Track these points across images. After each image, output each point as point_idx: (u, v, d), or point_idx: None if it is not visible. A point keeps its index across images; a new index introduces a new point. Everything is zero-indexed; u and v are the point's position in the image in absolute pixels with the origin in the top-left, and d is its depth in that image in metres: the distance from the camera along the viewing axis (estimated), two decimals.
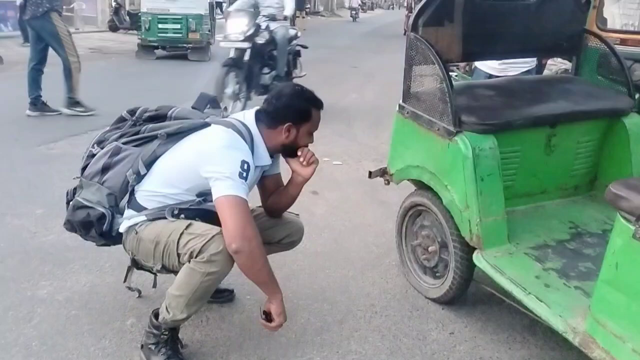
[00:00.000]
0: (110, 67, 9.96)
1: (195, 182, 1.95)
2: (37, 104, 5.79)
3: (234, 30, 5.58)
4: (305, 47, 6.84)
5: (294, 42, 6.54)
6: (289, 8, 6.12)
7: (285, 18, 6.30)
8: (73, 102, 5.82)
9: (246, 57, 5.63)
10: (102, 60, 10.62)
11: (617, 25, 4.60)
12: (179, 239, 1.90)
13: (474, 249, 2.21)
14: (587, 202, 2.64)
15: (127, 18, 15.80)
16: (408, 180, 2.65)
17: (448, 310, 2.48)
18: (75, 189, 2.17)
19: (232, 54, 5.65)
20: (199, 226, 1.93)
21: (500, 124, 2.26)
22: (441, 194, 2.33)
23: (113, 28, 15.86)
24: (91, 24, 17.06)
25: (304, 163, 2.12)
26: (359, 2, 36.46)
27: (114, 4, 15.96)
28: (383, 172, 2.81)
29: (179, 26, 10.51)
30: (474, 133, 2.21)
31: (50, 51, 5.77)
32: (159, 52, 11.15)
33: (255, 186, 2.20)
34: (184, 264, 1.90)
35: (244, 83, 5.67)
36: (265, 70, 6.05)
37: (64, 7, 15.69)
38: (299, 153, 2.12)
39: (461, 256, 2.30)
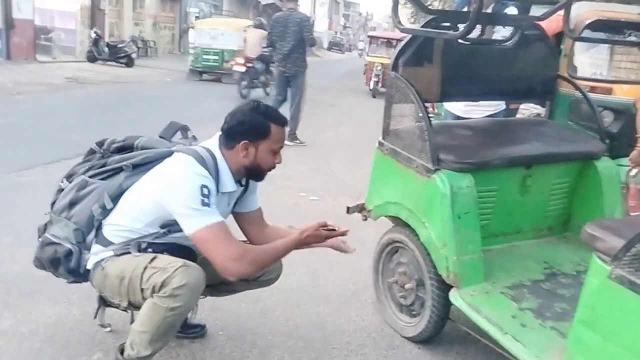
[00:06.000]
0: (88, 95, 9.89)
1: (157, 214, 1.91)
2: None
3: None
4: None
5: None
6: None
7: None
8: (294, 137, 6.86)
9: None
10: (80, 89, 10.57)
11: (587, 74, 4.78)
12: (142, 273, 1.85)
13: (451, 287, 2.21)
14: (561, 243, 2.68)
15: (107, 49, 15.80)
16: (386, 216, 2.65)
17: (424, 350, 2.45)
18: (46, 224, 2.12)
19: None
20: (163, 259, 1.88)
21: (477, 163, 2.29)
22: (419, 231, 2.34)
23: (91, 59, 15.79)
24: (69, 54, 16.97)
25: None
26: (364, 44, 44.00)
27: (93, 35, 15.95)
28: (361, 208, 2.81)
29: (217, 57, 13.65)
30: (451, 171, 2.24)
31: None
32: (205, 76, 14.05)
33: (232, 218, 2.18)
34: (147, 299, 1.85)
35: None
36: None
37: (42, 36, 15.64)
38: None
39: (438, 294, 2.29)
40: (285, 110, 6.86)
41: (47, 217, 2.12)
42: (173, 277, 1.78)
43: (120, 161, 2.06)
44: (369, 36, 18.16)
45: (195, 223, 1.81)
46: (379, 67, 13.81)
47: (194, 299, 1.85)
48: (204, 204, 1.81)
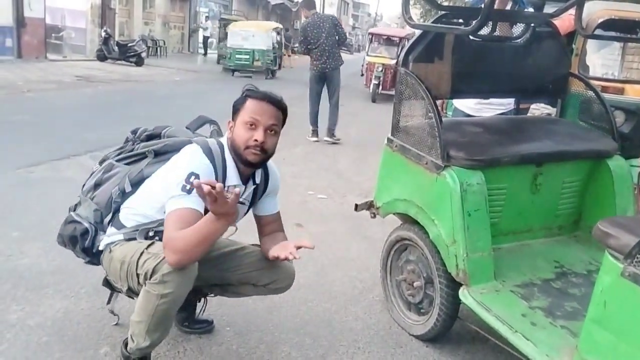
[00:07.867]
0: (97, 94, 9.94)
1: (164, 200, 1.90)
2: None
3: None
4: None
5: None
6: None
7: None
8: (333, 133, 7.17)
9: None
10: (90, 87, 10.63)
11: (598, 73, 4.75)
12: (138, 258, 1.83)
13: (460, 285, 2.19)
14: (572, 242, 2.65)
15: (116, 48, 15.90)
16: (394, 214, 2.63)
17: (432, 348, 2.43)
18: (76, 205, 2.20)
19: None
20: (159, 245, 1.83)
21: (488, 160, 2.27)
22: (428, 228, 2.32)
23: (101, 57, 15.90)
24: (80, 52, 17.11)
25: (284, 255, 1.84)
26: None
27: (103, 34, 16.05)
28: (369, 206, 2.79)
29: (247, 57, 15.52)
30: (462, 168, 2.21)
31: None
32: (236, 74, 15.73)
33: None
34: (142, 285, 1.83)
35: None
36: None
37: (53, 34, 15.77)
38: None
39: (447, 292, 2.27)
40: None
41: (78, 198, 2.21)
42: (163, 264, 1.74)
43: (144, 147, 2.14)
44: (369, 33, 15.77)
45: (168, 206, 1.80)
46: (380, 69, 12.71)
47: (185, 285, 1.78)
48: (183, 189, 1.78)
